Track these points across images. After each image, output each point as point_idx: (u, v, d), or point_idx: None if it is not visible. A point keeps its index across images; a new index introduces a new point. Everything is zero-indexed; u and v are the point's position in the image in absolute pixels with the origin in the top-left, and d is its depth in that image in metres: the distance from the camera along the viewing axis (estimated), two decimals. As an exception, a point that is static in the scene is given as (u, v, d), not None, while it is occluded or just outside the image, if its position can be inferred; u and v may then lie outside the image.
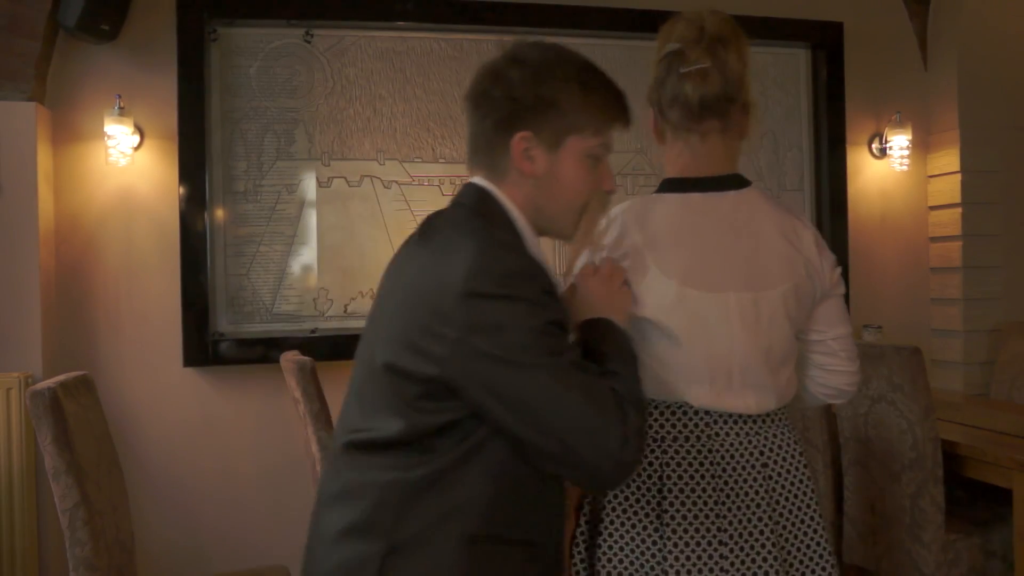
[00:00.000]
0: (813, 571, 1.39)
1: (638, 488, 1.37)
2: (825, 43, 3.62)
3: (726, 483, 1.35)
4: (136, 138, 3.07)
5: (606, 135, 1.27)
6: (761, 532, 1.35)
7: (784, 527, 1.38)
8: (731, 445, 1.36)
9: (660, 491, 1.36)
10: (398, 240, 3.27)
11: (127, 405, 3.08)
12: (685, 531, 1.34)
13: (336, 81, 3.24)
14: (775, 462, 1.38)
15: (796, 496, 1.39)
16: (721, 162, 1.39)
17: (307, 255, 3.22)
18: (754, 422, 1.37)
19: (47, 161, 2.98)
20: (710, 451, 1.35)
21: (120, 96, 3.01)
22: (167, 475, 3.12)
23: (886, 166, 3.75)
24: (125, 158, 3.04)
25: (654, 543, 1.35)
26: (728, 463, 1.35)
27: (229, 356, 3.12)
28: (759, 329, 1.33)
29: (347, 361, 3.44)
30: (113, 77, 3.08)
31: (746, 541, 1.34)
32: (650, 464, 1.37)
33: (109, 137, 2.99)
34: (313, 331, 3.20)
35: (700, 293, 1.32)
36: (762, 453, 1.37)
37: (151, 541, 3.05)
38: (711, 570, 1.32)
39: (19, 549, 2.78)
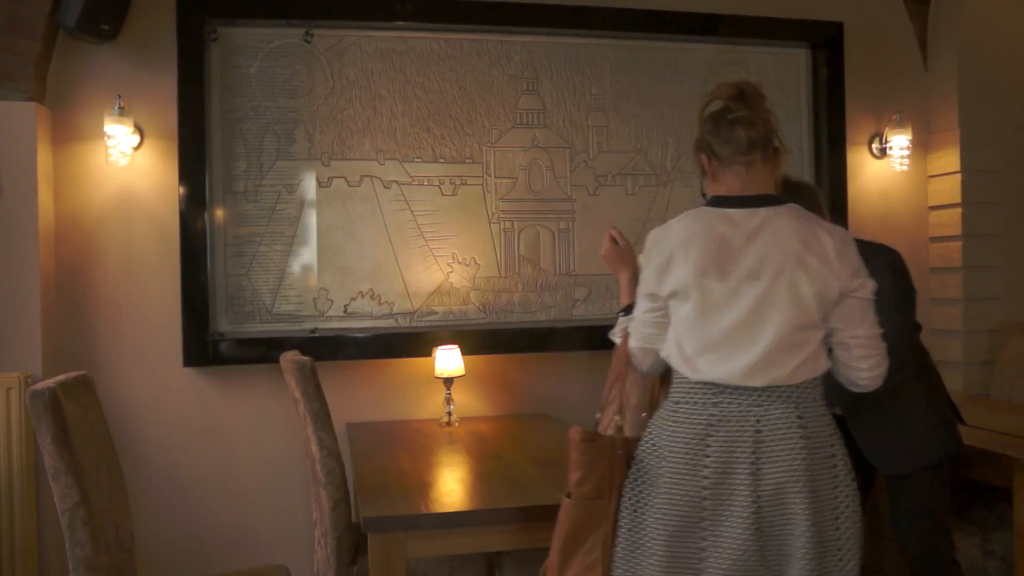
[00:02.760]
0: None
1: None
2: (825, 43, 3.62)
3: (720, 445, 1.59)
4: (136, 138, 3.07)
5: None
6: (743, 493, 1.56)
7: (766, 491, 1.56)
8: (728, 413, 1.60)
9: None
10: (398, 240, 3.29)
11: (127, 405, 3.08)
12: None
13: (336, 81, 3.24)
14: (768, 431, 1.58)
15: (781, 461, 1.57)
16: (759, 185, 1.71)
17: (307, 255, 3.22)
18: (750, 394, 1.60)
19: (47, 161, 2.98)
20: (711, 417, 1.61)
21: (120, 96, 3.01)
22: (167, 475, 3.12)
23: (886, 166, 3.75)
24: (125, 158, 3.04)
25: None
26: (723, 428, 1.60)
27: (229, 356, 3.12)
28: (763, 312, 1.60)
29: (347, 361, 3.49)
30: (113, 77, 3.08)
31: (728, 499, 1.57)
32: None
33: (109, 137, 2.99)
34: (313, 331, 3.20)
35: (713, 281, 1.62)
36: (758, 421, 1.59)
37: (151, 541, 3.05)
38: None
39: (19, 549, 2.78)
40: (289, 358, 2.47)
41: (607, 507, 1.67)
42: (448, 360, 3.12)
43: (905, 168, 3.70)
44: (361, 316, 3.25)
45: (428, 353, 3.21)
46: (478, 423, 3.19)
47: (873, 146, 3.75)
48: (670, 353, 1.69)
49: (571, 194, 3.44)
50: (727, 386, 1.61)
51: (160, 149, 3.12)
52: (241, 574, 2.51)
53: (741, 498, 1.56)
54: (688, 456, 1.61)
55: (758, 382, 1.59)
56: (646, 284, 1.71)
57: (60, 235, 3.06)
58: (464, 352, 3.17)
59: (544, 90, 3.42)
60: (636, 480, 1.68)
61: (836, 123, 3.63)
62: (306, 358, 2.40)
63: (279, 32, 3.20)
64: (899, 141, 3.66)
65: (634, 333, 1.75)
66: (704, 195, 1.87)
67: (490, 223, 3.37)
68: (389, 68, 3.29)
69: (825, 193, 3.60)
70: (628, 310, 1.84)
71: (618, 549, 1.66)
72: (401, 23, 3.26)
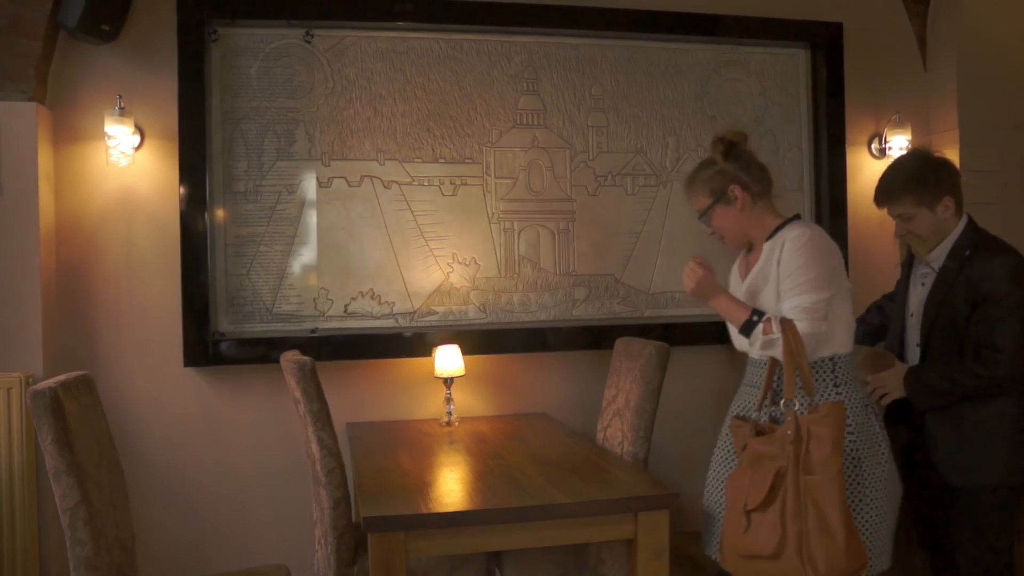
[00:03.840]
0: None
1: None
2: (825, 43, 3.62)
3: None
4: (136, 138, 3.07)
5: None
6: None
7: None
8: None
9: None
10: (398, 240, 3.29)
11: (127, 405, 3.09)
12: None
13: (336, 81, 3.25)
14: None
15: None
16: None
17: (307, 255, 3.22)
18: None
19: (47, 161, 2.99)
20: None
21: (120, 96, 3.01)
22: (167, 475, 3.13)
23: (886, 166, 3.74)
24: (125, 158, 3.05)
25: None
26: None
27: (229, 356, 3.12)
28: None
29: (347, 361, 3.48)
30: (113, 77, 3.08)
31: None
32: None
33: (109, 137, 2.99)
34: (313, 331, 3.21)
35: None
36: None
37: (151, 541, 3.06)
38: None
39: (19, 549, 2.79)
40: (289, 358, 2.47)
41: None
42: (448, 360, 3.12)
43: (905, 168, 3.70)
44: (361, 316, 3.25)
45: (428, 353, 3.21)
46: (478, 423, 3.19)
47: (873, 146, 3.75)
48: (846, 331, 2.14)
49: (571, 194, 3.44)
50: None
51: (160, 149, 3.12)
52: (241, 574, 2.52)
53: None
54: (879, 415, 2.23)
55: None
56: (834, 281, 2.08)
57: (61, 235, 3.06)
58: (464, 352, 3.18)
59: (544, 90, 3.42)
60: (878, 443, 2.15)
61: (836, 123, 3.63)
62: (306, 358, 2.40)
63: (279, 32, 3.20)
64: (899, 141, 3.65)
65: (809, 320, 2.02)
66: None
67: (490, 223, 3.37)
68: (389, 68, 3.29)
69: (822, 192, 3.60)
70: (758, 314, 2.10)
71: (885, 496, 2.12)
72: (401, 23, 3.27)
